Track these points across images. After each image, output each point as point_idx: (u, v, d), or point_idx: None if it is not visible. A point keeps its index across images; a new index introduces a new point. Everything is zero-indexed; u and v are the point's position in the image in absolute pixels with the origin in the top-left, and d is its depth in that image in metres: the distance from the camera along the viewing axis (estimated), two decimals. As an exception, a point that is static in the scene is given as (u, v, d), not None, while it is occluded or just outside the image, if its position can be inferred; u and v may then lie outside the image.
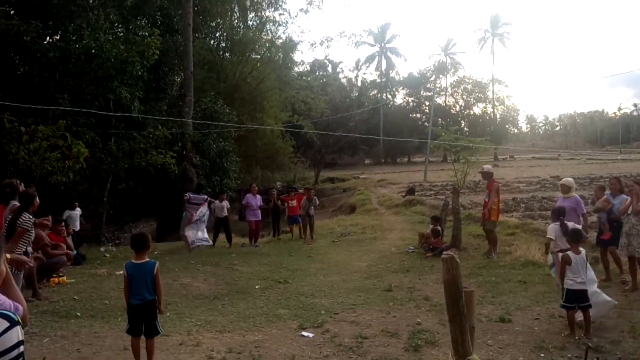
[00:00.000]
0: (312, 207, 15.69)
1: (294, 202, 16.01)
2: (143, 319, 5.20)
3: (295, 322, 6.95)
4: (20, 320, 1.77)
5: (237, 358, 5.53)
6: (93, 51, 15.19)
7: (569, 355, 5.52)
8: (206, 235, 13.15)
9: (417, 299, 8.12)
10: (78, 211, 13.36)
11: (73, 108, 14.37)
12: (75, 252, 11.22)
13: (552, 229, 7.57)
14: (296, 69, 44.34)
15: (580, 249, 6.35)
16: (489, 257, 10.94)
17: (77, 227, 13.15)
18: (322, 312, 7.50)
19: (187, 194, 13.63)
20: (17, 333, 1.72)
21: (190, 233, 12.75)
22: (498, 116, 73.48)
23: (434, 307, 7.61)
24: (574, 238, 6.42)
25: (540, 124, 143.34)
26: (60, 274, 9.56)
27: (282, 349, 5.87)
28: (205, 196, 13.77)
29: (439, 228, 12.45)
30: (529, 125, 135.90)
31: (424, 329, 6.49)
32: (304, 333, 6.46)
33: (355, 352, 5.70)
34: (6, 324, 1.70)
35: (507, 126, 74.58)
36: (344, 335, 6.32)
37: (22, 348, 1.72)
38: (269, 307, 7.94)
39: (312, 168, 49.88)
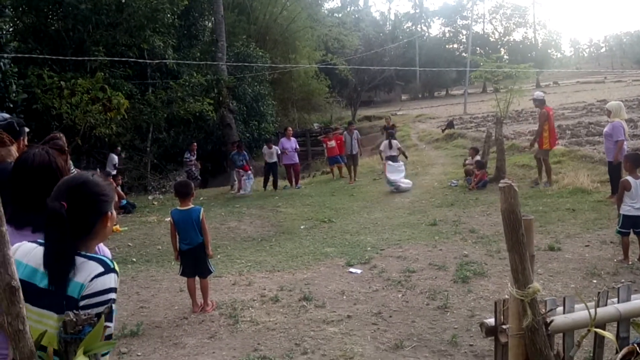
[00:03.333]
0: (356, 144, 15.38)
1: (333, 143, 15.94)
2: (194, 261, 5.40)
3: (343, 260, 7.06)
4: (116, 268, 1.79)
5: (289, 295, 5.69)
6: (123, 1, 15.13)
7: (623, 280, 5.43)
8: (249, 188, 14.13)
9: (462, 232, 8.10)
10: (115, 155, 14.05)
11: (111, 58, 14.52)
12: (125, 201, 11.61)
13: (382, 143, 12.70)
14: (327, 5, 43.34)
15: None
16: (545, 186, 10.63)
17: (112, 170, 13.94)
18: (369, 248, 7.59)
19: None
20: (112, 280, 1.74)
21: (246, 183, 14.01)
22: (540, 41, 70.11)
23: (481, 239, 7.58)
24: (633, 162, 6.14)
25: (585, 47, 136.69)
26: (114, 223, 9.93)
27: (331, 285, 5.99)
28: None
29: (483, 160, 12.23)
30: (572, 49, 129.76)
31: (472, 261, 6.50)
32: (352, 269, 6.56)
33: (404, 286, 5.78)
34: (101, 269, 1.73)
35: (549, 51, 70.95)
36: (391, 270, 6.39)
37: (111, 295, 1.72)
38: (316, 246, 8.08)
39: (349, 107, 49.30)
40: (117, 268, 1.80)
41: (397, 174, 12.37)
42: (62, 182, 1.83)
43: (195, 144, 16.90)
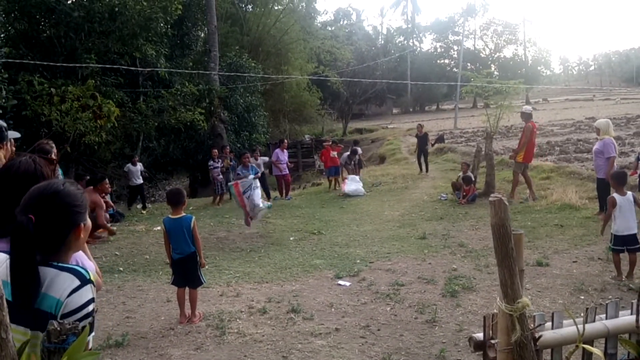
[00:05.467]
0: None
1: (335, 153, 16.03)
2: (185, 271, 5.36)
3: (331, 272, 7.03)
4: (92, 279, 1.74)
5: (277, 307, 5.65)
6: (116, 9, 15.13)
7: (610, 297, 5.46)
8: (259, 202, 10.02)
9: (451, 246, 8.11)
10: (139, 166, 13.85)
11: (102, 65, 14.48)
12: (113, 210, 11.52)
13: (344, 155, 15.33)
14: (320, 18, 43.60)
15: (627, 191, 6.16)
16: (511, 202, 10.73)
17: (139, 181, 13.82)
18: (358, 261, 7.57)
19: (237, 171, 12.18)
20: (89, 291, 1.70)
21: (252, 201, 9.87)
22: (530, 58, 70.95)
23: (469, 253, 7.60)
24: (618, 180, 6.20)
25: (574, 65, 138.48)
26: (88, 233, 9.78)
27: (319, 298, 5.96)
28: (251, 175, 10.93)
29: (471, 174, 12.29)
30: (561, 67, 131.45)
31: (460, 275, 6.50)
32: (341, 282, 6.54)
33: (393, 299, 5.76)
34: (77, 283, 1.68)
35: (539, 68, 71.79)
36: (380, 283, 6.37)
37: (91, 307, 1.69)
38: (305, 257, 8.05)
39: (340, 120, 49.50)
40: (92, 277, 1.74)
41: (355, 184, 14.35)
42: (31, 192, 1.75)
43: (215, 150, 15.50)
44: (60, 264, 1.73)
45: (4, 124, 3.57)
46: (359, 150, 16.49)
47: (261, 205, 9.95)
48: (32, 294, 1.64)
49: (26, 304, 1.64)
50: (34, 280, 1.64)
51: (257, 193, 9.96)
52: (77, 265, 1.82)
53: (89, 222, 1.89)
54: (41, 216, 1.68)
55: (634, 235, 5.97)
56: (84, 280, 1.70)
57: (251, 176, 10.44)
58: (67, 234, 1.76)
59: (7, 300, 1.63)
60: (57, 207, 1.72)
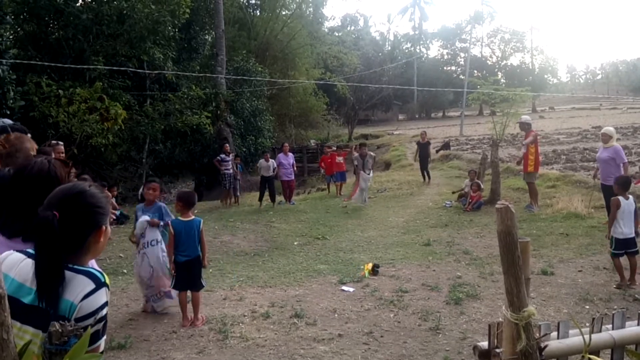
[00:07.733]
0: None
1: (341, 159, 16.01)
2: (190, 274, 5.34)
3: (335, 277, 7.00)
4: (107, 282, 1.73)
5: (280, 312, 5.63)
6: (125, 12, 15.22)
7: (615, 307, 5.41)
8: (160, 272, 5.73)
9: (456, 253, 8.08)
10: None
11: (111, 67, 14.55)
12: (119, 212, 11.55)
13: (355, 157, 14.07)
14: (327, 24, 43.75)
15: (629, 195, 6.18)
16: (530, 210, 10.75)
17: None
18: (361, 267, 7.53)
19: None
20: (103, 295, 1.69)
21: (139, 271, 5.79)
22: (536, 66, 70.77)
23: (474, 261, 7.56)
24: (623, 185, 6.24)
25: (581, 73, 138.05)
26: (108, 238, 9.83)
27: (323, 303, 5.94)
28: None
29: (479, 181, 12.26)
30: (568, 75, 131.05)
31: (465, 283, 6.47)
32: (344, 287, 6.51)
33: (397, 306, 5.73)
34: (92, 286, 1.67)
35: (546, 76, 71.58)
36: (384, 290, 6.34)
37: (104, 311, 1.68)
38: (308, 262, 8.04)
39: (346, 125, 49.45)
40: (108, 281, 1.73)
41: (360, 192, 13.31)
42: (56, 191, 1.75)
43: (227, 145, 15.79)
44: (76, 267, 1.71)
45: (24, 127, 3.57)
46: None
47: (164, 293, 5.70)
48: (57, 295, 1.62)
49: (52, 304, 1.62)
50: (60, 279, 1.63)
51: (158, 259, 5.65)
52: (93, 268, 1.81)
53: (109, 227, 1.88)
54: (64, 214, 1.67)
55: (633, 238, 6.07)
56: (99, 284, 1.68)
57: (145, 217, 5.71)
58: (88, 235, 1.75)
59: (21, 302, 1.63)
60: (80, 207, 1.72)
